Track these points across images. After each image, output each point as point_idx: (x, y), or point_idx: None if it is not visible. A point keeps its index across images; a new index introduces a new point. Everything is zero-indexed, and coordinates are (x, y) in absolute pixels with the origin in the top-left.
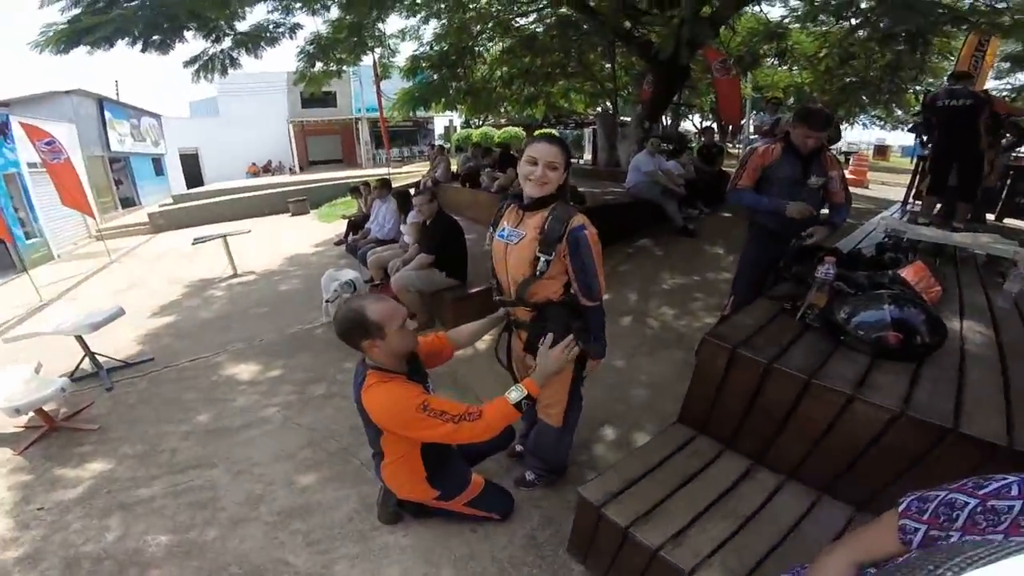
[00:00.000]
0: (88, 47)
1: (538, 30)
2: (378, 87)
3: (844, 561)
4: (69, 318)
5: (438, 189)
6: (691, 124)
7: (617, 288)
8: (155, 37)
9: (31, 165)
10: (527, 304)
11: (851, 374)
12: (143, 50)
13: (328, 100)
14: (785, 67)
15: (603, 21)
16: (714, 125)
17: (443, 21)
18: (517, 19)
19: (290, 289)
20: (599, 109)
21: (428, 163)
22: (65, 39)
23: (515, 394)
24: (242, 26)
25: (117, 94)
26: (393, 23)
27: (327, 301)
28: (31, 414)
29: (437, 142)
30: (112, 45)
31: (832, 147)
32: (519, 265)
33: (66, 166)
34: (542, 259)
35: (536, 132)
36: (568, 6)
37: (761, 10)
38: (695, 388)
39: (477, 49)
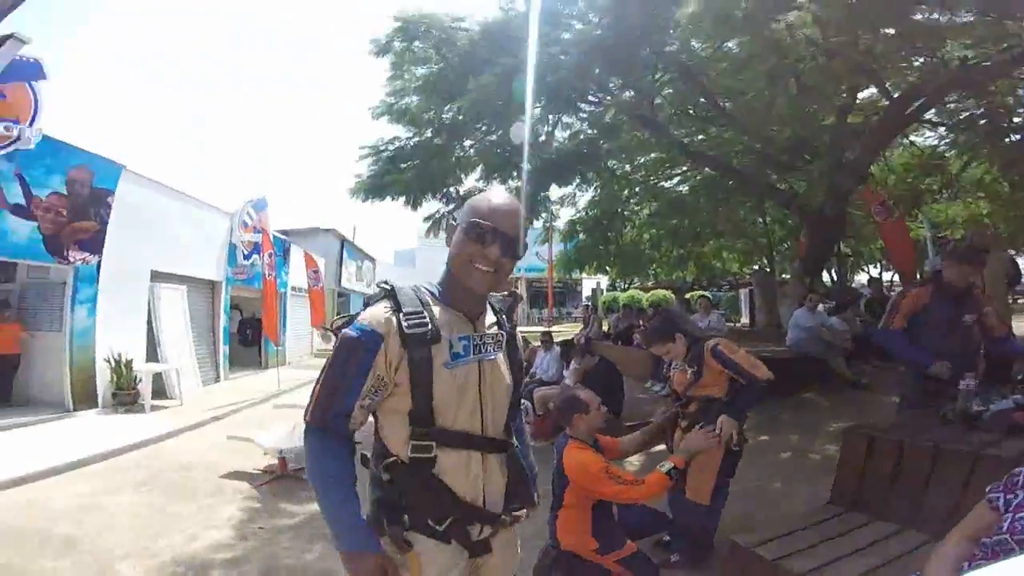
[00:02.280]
0: (379, 199)
1: (684, 191)
2: (549, 249)
3: (956, 537)
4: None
5: (593, 346)
6: (865, 275)
7: (777, 431)
8: (415, 196)
9: (294, 288)
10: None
11: (978, 441)
12: (406, 203)
13: None
14: (960, 201)
15: (747, 178)
16: (886, 275)
17: (597, 189)
18: (663, 183)
19: None
20: (755, 268)
21: (577, 322)
22: (370, 190)
23: (666, 466)
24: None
25: (354, 237)
26: (553, 191)
27: None
28: (274, 460)
29: (584, 302)
30: (395, 199)
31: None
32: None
33: (321, 292)
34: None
35: (687, 295)
36: (712, 166)
37: (912, 143)
38: (842, 470)
39: (626, 213)
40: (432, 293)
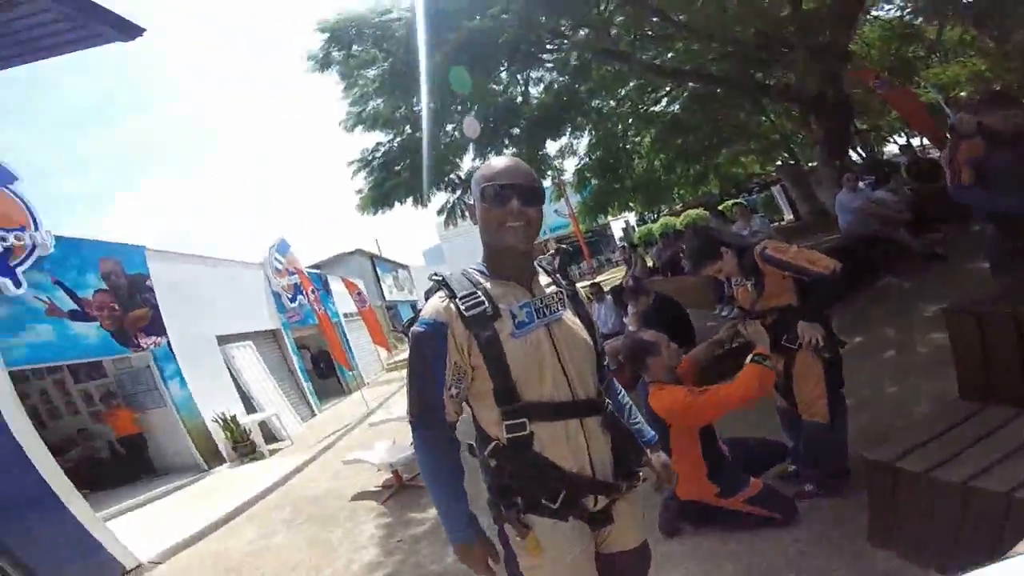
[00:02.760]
0: (388, 207)
1: (676, 110)
2: (567, 203)
3: None
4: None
5: (644, 284)
6: (893, 146)
7: (868, 328)
8: (420, 194)
9: (346, 315)
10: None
11: None
12: (415, 204)
13: None
14: (954, 62)
15: (731, 82)
16: (916, 140)
17: (591, 133)
18: (652, 108)
19: None
20: (779, 164)
21: (619, 266)
22: (376, 202)
23: (752, 357)
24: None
25: (379, 251)
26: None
27: None
28: (388, 475)
29: (619, 244)
30: (402, 202)
31: None
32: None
33: (371, 311)
34: None
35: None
36: (695, 80)
37: (876, 17)
38: (960, 359)
39: (627, 147)
40: (481, 271)
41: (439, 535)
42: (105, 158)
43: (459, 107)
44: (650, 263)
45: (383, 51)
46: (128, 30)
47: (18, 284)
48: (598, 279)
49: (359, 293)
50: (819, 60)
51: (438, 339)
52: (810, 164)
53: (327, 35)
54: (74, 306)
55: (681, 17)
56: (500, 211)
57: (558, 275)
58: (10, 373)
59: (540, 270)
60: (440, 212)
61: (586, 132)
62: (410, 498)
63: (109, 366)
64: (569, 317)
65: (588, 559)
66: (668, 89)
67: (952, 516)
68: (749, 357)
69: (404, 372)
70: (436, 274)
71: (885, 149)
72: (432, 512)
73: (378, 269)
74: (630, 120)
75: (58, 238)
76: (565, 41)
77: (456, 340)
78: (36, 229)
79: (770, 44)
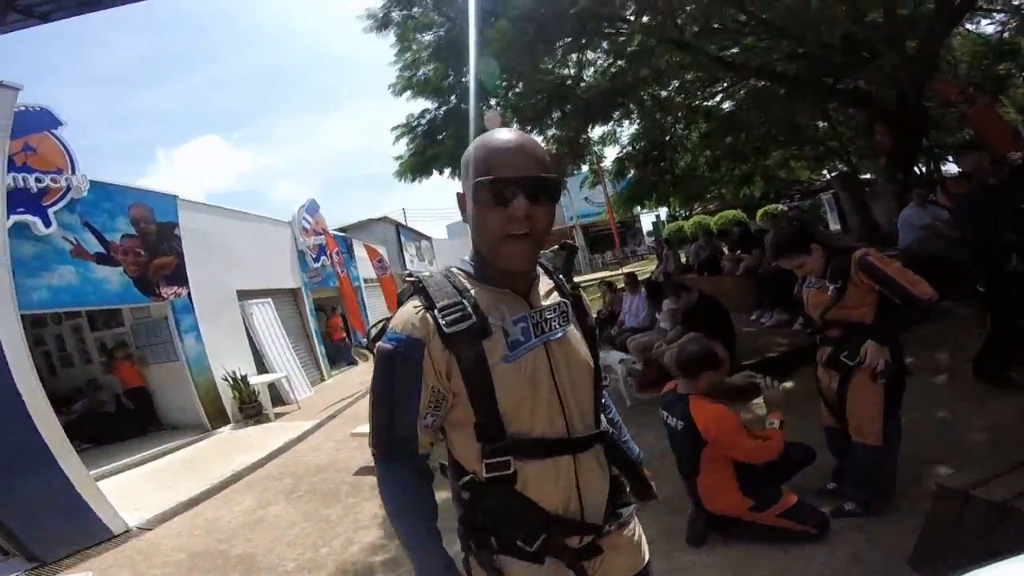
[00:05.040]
0: (426, 175)
1: (729, 107)
2: (605, 191)
3: None
4: None
5: (683, 280)
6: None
7: (923, 351)
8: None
9: (366, 280)
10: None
11: None
12: (452, 175)
13: None
14: None
15: (801, 84)
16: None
17: (638, 122)
18: (705, 102)
19: None
20: (829, 173)
21: (643, 260)
22: (415, 168)
23: (774, 422)
24: None
25: (405, 221)
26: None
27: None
28: None
29: (648, 238)
30: (441, 172)
31: None
32: None
33: (391, 278)
34: None
35: (760, 211)
36: (758, 77)
37: (971, 30)
38: None
39: (673, 141)
40: (468, 273)
41: (444, 521)
42: (151, 116)
43: (505, 80)
44: (684, 260)
45: (442, 15)
46: None
47: (48, 224)
48: (623, 270)
49: (380, 260)
50: (907, 69)
51: (411, 359)
52: (866, 175)
53: None
54: (100, 249)
55: (764, 15)
56: (498, 214)
57: (560, 276)
58: (29, 317)
59: (541, 271)
60: None
61: (633, 120)
62: None
63: (127, 315)
64: (572, 334)
65: None
66: (726, 84)
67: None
68: (777, 423)
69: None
70: (411, 274)
71: (944, 168)
72: (440, 494)
73: (402, 237)
74: (680, 113)
75: (92, 182)
76: (625, 25)
77: (433, 361)
78: (73, 173)
79: (855, 48)
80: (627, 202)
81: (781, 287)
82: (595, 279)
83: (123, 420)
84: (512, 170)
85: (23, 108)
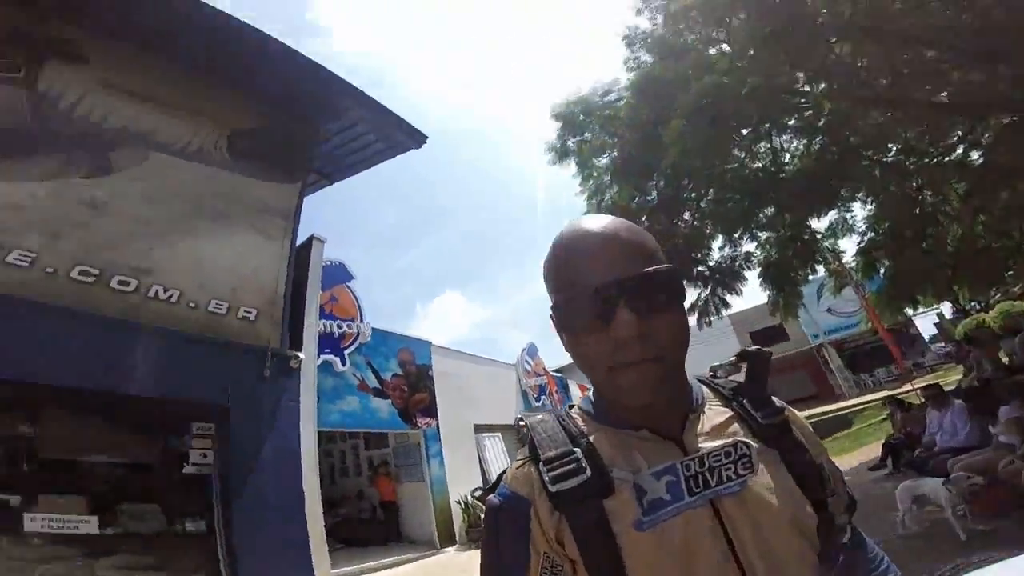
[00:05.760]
0: None
1: (980, 156)
2: (860, 292)
3: None
4: None
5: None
6: None
7: None
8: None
9: None
10: None
11: None
12: None
13: (776, 335)
14: None
15: None
16: None
17: (871, 199)
18: (946, 157)
19: None
20: None
21: (934, 372)
22: None
23: None
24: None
25: None
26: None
27: (902, 515)
28: None
29: (935, 346)
30: None
31: None
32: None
33: None
34: None
35: None
36: (996, 112)
37: None
38: None
39: (929, 211)
40: (588, 413)
41: None
42: (410, 272)
43: (693, 193)
44: (1004, 360)
45: (611, 135)
46: (417, 137)
47: (344, 363)
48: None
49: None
50: None
51: (516, 520)
52: None
53: (560, 123)
54: (377, 384)
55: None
56: (599, 339)
57: (743, 399)
58: (323, 433)
59: (704, 396)
60: (691, 311)
61: (861, 200)
62: None
63: (391, 439)
64: (762, 485)
65: None
66: (960, 133)
67: None
68: None
69: None
70: (520, 418)
71: None
72: None
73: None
74: (917, 176)
75: (373, 329)
76: (803, 99)
77: (542, 523)
78: (361, 321)
79: None
80: (891, 303)
81: None
82: (862, 403)
83: (373, 528)
84: (604, 272)
85: (328, 263)
